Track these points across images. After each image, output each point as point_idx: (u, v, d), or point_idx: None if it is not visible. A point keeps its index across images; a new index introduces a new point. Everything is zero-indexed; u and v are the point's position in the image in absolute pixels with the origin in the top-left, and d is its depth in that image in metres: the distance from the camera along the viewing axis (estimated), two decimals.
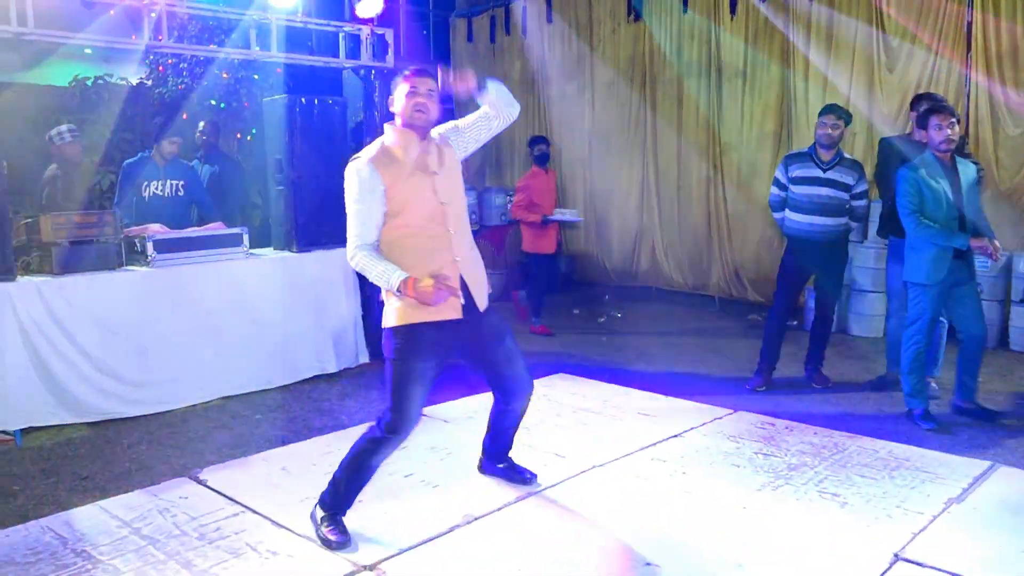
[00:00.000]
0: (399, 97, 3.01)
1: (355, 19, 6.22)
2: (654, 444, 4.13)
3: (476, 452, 4.01)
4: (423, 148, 3.03)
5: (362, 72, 5.92)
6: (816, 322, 5.38)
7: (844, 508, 3.36)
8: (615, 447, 4.07)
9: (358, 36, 6.15)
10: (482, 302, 3.12)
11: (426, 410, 4.67)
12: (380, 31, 6.26)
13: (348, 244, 2.93)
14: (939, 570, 2.83)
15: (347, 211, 2.95)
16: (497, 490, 3.55)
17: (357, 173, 2.93)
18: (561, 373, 5.53)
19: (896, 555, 2.94)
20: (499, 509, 3.37)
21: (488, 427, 3.63)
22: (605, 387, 5.20)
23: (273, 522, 3.27)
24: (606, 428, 4.40)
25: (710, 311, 8.03)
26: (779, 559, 2.93)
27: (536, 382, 5.24)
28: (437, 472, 3.79)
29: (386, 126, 3.09)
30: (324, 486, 3.19)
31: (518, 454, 3.99)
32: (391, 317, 2.98)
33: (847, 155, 5.11)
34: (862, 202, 5.10)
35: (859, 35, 7.19)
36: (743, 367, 5.57)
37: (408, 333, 2.95)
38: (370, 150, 3.01)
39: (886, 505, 3.38)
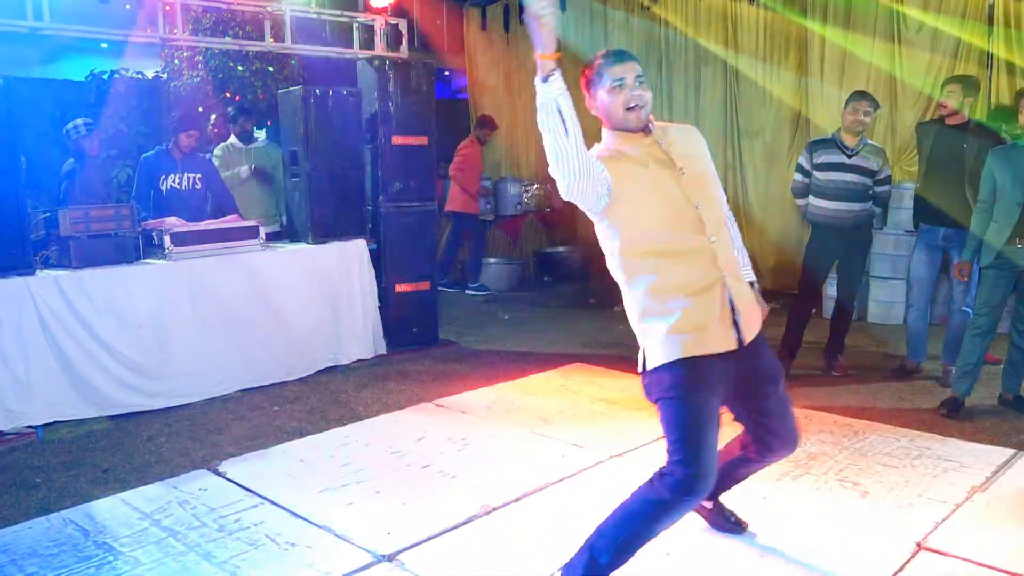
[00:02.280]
0: (601, 96, 2.49)
1: (369, 9, 6.21)
2: None
3: (494, 442, 4.02)
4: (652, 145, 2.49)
5: (376, 62, 5.89)
6: (837, 310, 5.34)
7: (865, 497, 3.32)
8: (633, 437, 4.05)
9: (372, 26, 6.13)
10: (752, 330, 2.50)
11: (442, 401, 4.70)
12: (394, 21, 6.24)
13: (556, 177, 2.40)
14: (963, 559, 2.80)
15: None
16: (515, 481, 3.54)
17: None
18: (577, 363, 5.52)
19: (919, 544, 2.91)
20: (517, 500, 3.36)
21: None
22: (622, 377, 5.18)
23: (292, 513, 3.28)
24: (623, 418, 4.38)
25: None
26: (800, 549, 2.90)
27: (552, 372, 5.31)
28: (455, 463, 3.79)
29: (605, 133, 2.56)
30: (342, 477, 3.18)
31: (534, 446, 3.99)
32: (659, 353, 2.40)
33: (870, 140, 5.06)
34: (885, 187, 5.06)
35: (879, 16, 7.09)
36: None
37: (689, 366, 2.36)
38: (598, 145, 2.52)
39: (908, 494, 3.34)
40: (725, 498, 3.02)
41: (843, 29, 7.37)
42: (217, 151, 6.24)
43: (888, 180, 5.06)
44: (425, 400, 4.73)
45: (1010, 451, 3.76)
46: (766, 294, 7.73)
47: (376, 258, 5.82)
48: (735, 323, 2.41)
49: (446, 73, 12.23)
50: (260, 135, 6.64)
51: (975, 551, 2.85)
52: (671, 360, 2.37)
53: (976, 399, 4.50)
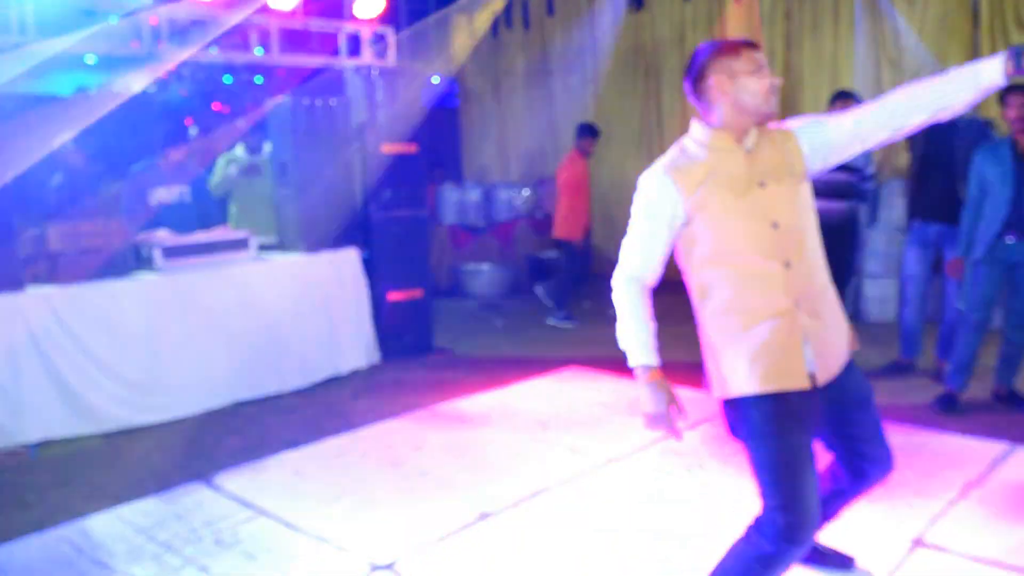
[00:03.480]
0: (742, 80, 2.14)
1: (355, 18, 6.20)
2: (666, 436, 4.09)
3: (490, 448, 4.01)
4: (755, 148, 2.20)
5: (364, 71, 5.89)
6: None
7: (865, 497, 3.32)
8: (630, 441, 4.05)
9: (358, 35, 6.13)
10: (832, 368, 2.24)
11: (438, 408, 4.69)
12: (381, 30, 6.24)
13: (616, 270, 2.26)
14: (960, 555, 2.81)
15: (631, 222, 2.27)
16: (512, 487, 3.53)
17: (649, 186, 2.20)
18: (571, 367, 5.51)
19: (915, 541, 2.91)
20: (514, 505, 3.36)
21: None
22: (618, 379, 5.18)
23: (289, 525, 3.26)
24: (620, 422, 4.37)
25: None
26: None
27: (548, 377, 5.30)
28: (452, 470, 3.78)
29: (691, 126, 2.27)
30: (339, 487, 3.18)
31: (531, 452, 3.99)
32: (742, 382, 2.13)
33: None
34: (870, 184, 5.08)
35: (864, 16, 7.13)
36: None
37: (777, 401, 2.12)
38: (673, 151, 2.27)
39: (904, 491, 3.34)
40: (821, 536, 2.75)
41: (832, 27, 7.41)
42: (224, 158, 6.23)
43: (874, 177, 5.09)
44: (421, 408, 4.71)
45: (1005, 445, 3.77)
46: None
47: (368, 267, 5.81)
48: (808, 360, 2.15)
49: (435, 80, 12.24)
50: (266, 147, 6.60)
51: (971, 546, 2.85)
52: (756, 393, 2.12)
53: (970, 394, 4.51)
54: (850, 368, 2.31)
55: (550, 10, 9.62)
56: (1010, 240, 4.20)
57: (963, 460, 3.63)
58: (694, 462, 3.78)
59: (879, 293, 6.70)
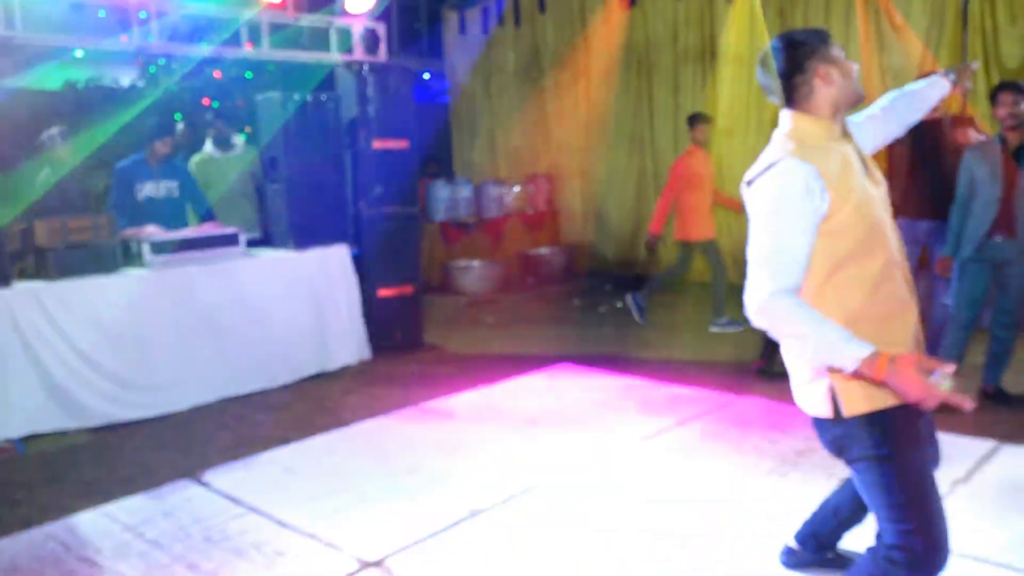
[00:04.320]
0: (845, 67, 2.05)
1: (346, 13, 6.18)
2: (660, 433, 4.11)
3: (481, 444, 4.01)
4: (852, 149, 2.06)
5: (355, 67, 5.87)
6: None
7: None
8: (621, 437, 4.05)
9: (349, 30, 6.11)
10: None
11: (428, 405, 4.69)
12: (371, 25, 6.22)
13: (754, 288, 1.92)
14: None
15: (764, 224, 1.95)
16: (502, 483, 3.53)
17: (793, 175, 1.92)
18: (562, 364, 5.51)
19: None
20: (504, 502, 3.35)
21: (830, 504, 2.64)
22: (607, 376, 5.18)
23: (278, 522, 3.25)
24: (611, 418, 4.38)
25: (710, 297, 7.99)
26: (778, 549, 2.91)
27: (538, 373, 5.30)
28: (442, 467, 3.77)
29: (795, 117, 2.07)
30: (329, 484, 3.17)
31: (521, 448, 3.99)
32: (859, 396, 1.94)
33: None
34: None
35: (855, 17, 7.15)
36: (746, 352, 5.54)
37: (900, 415, 1.94)
38: (788, 143, 2.01)
39: None
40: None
41: (824, 24, 7.42)
42: (194, 161, 6.19)
43: None
44: (411, 404, 4.71)
45: (991, 443, 3.79)
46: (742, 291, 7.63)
47: (358, 263, 5.80)
48: None
49: (426, 76, 12.24)
50: (238, 141, 6.58)
51: (959, 544, 2.85)
52: (879, 408, 1.93)
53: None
54: None
55: (541, 7, 9.61)
56: (999, 239, 4.22)
57: (951, 458, 3.63)
58: (684, 457, 3.79)
59: None
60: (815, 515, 2.68)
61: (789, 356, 2.10)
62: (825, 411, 2.00)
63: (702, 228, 6.59)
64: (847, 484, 2.58)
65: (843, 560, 2.72)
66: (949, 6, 6.72)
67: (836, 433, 2.02)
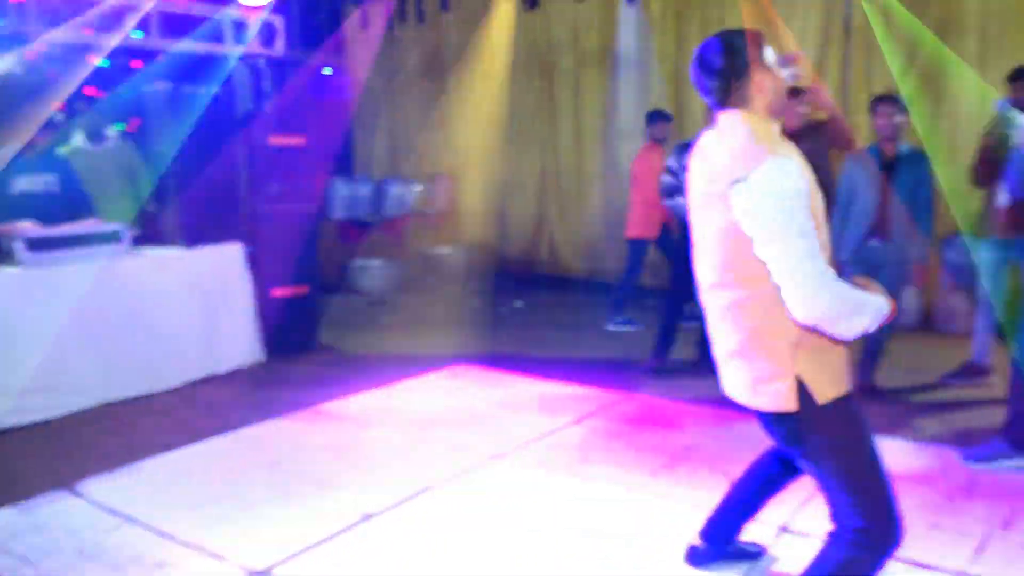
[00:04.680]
0: (766, 77, 2.10)
1: (242, 4, 6.00)
2: (554, 432, 4.16)
3: (374, 447, 3.96)
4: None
5: (251, 61, 5.71)
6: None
7: None
8: (515, 436, 4.08)
9: (245, 23, 5.93)
10: None
11: (322, 407, 4.60)
12: (268, 18, 6.06)
13: (803, 276, 1.93)
14: (821, 539, 2.95)
15: (781, 228, 1.94)
16: (394, 486, 3.50)
17: (789, 170, 1.97)
18: (460, 364, 5.51)
19: (781, 528, 3.05)
20: (397, 505, 3.32)
21: (732, 499, 2.73)
22: (505, 376, 5.21)
23: (159, 533, 3.12)
24: (506, 417, 4.40)
25: (608, 297, 8.14)
26: (673, 539, 2.99)
27: (436, 374, 5.28)
28: (331, 470, 3.70)
29: (744, 117, 2.10)
30: (214, 491, 3.07)
31: (415, 450, 3.96)
32: (827, 387, 2.04)
33: None
34: None
35: (750, 24, 7.40)
36: (641, 351, 5.67)
37: (845, 404, 2.08)
38: (759, 142, 2.03)
39: None
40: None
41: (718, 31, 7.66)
42: (61, 153, 5.86)
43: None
44: (304, 407, 4.60)
45: None
46: (643, 292, 7.79)
47: (252, 262, 5.63)
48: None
49: (326, 71, 11.99)
50: (111, 133, 6.25)
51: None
52: (840, 396, 2.05)
53: None
54: None
55: (445, 6, 9.57)
56: (875, 243, 4.45)
57: None
58: (577, 455, 3.84)
59: None
60: (718, 510, 2.76)
61: (743, 356, 2.11)
62: (789, 405, 2.04)
63: (653, 225, 6.69)
64: (746, 477, 2.69)
65: (744, 552, 2.83)
66: (835, 21, 7.05)
67: (794, 425, 2.08)
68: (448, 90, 9.75)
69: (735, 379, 2.18)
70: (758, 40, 2.12)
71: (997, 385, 4.70)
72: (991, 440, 3.61)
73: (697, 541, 2.80)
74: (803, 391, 2.03)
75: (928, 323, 6.48)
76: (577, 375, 5.18)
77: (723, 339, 2.19)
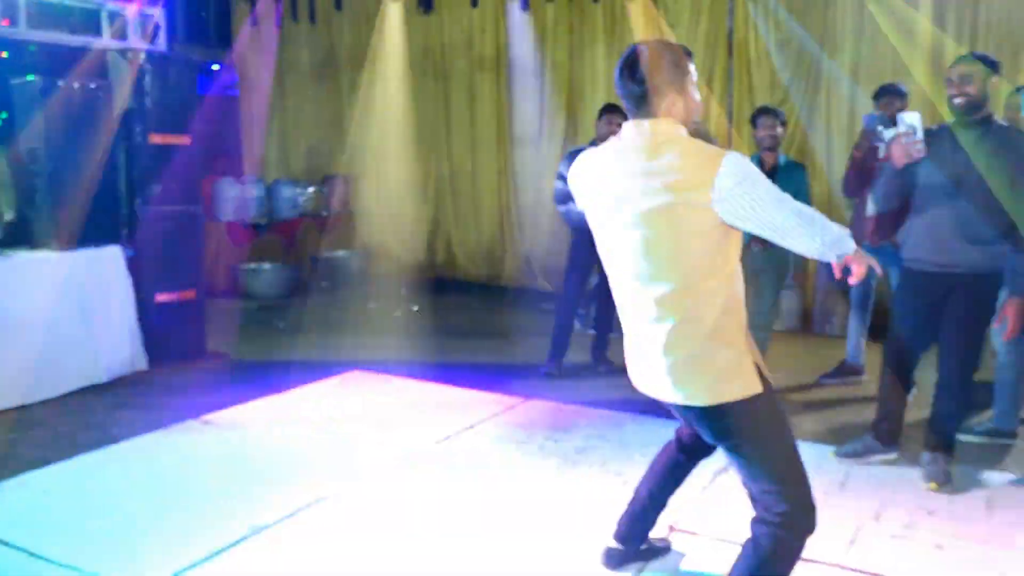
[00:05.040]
0: (693, 92, 2.20)
1: None
2: (449, 437, 4.15)
3: (267, 457, 3.86)
4: None
5: (130, 55, 5.45)
6: (599, 308, 5.63)
7: (626, 486, 3.52)
8: (410, 443, 4.05)
9: (124, 15, 5.67)
10: None
11: (210, 417, 4.44)
12: (149, 11, 5.82)
13: (810, 220, 2.10)
14: (708, 537, 3.07)
15: (771, 197, 2.07)
16: (283, 496, 3.41)
17: (741, 156, 2.11)
18: (355, 370, 5.43)
19: (671, 526, 3.14)
20: (288, 516, 3.24)
21: (643, 494, 2.80)
22: (400, 382, 5.17)
23: (32, 554, 2.94)
24: (401, 424, 4.37)
25: (504, 302, 8.21)
26: (567, 541, 3.04)
27: (329, 381, 5.19)
28: (220, 483, 3.58)
29: (676, 124, 2.18)
30: (94, 508, 2.91)
31: (310, 459, 3.88)
32: (751, 382, 2.17)
33: None
34: None
35: (633, 38, 7.62)
36: (536, 355, 5.74)
37: (769, 396, 2.21)
38: (702, 144, 2.16)
39: None
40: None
41: (608, 41, 7.86)
42: None
43: None
44: (191, 418, 4.43)
45: None
46: (538, 296, 7.88)
47: (134, 266, 5.38)
48: None
49: (213, 67, 11.62)
50: None
51: (719, 529, 3.13)
52: (757, 392, 2.17)
53: None
54: None
55: (338, 5, 9.42)
56: (755, 248, 4.65)
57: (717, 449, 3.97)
58: (473, 460, 3.85)
59: None
60: (629, 511, 2.81)
61: (703, 355, 2.16)
62: (723, 398, 2.15)
63: None
64: (651, 475, 2.78)
65: (656, 550, 2.90)
66: (720, 34, 7.35)
67: (730, 419, 2.18)
68: (342, 90, 9.61)
69: (685, 379, 2.19)
70: (685, 52, 2.21)
71: (869, 384, 5.01)
72: (863, 436, 3.84)
73: (612, 543, 2.84)
74: (738, 387, 2.16)
75: (806, 325, 6.83)
76: (473, 380, 5.19)
77: (678, 342, 2.17)
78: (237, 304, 7.81)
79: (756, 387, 2.16)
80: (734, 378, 2.16)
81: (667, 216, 2.10)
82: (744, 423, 2.18)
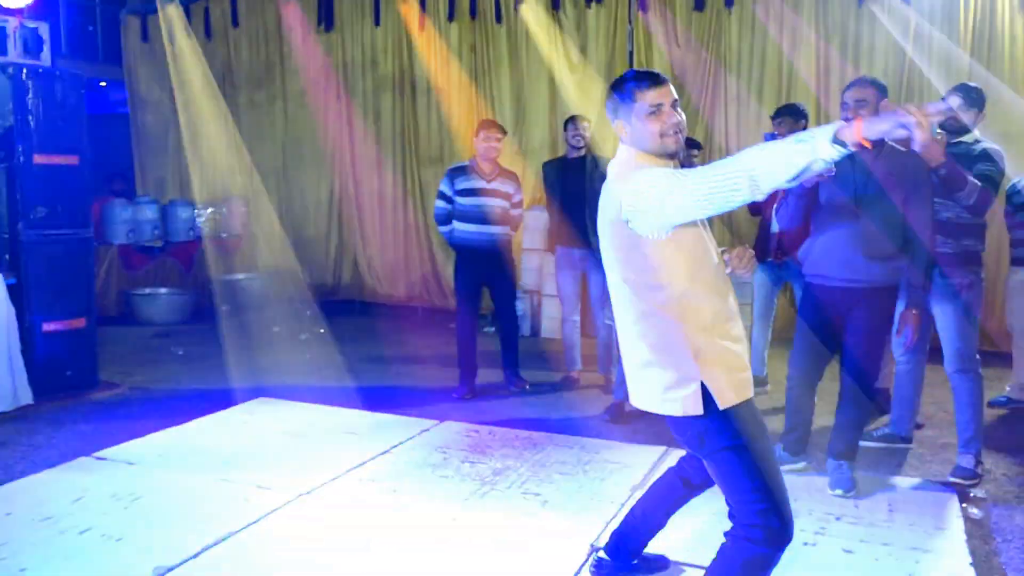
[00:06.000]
0: (634, 122, 2.26)
1: (2, 9, 5.40)
2: (363, 464, 4.04)
3: (167, 493, 3.66)
4: None
5: (11, 70, 5.13)
6: (502, 327, 5.55)
7: (545, 506, 3.53)
8: (322, 472, 3.92)
9: (3, 28, 5.34)
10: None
11: (104, 453, 4.19)
12: (32, 24, 5.49)
13: (708, 187, 2.01)
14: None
15: (668, 181, 2.10)
16: (191, 535, 3.23)
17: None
18: (261, 397, 5.24)
19: (592, 546, 3.13)
20: (196, 556, 3.07)
21: (638, 513, 2.80)
22: (310, 408, 5.02)
23: None
24: (312, 452, 4.22)
25: (414, 321, 8.12)
26: (488, 565, 2.99)
27: (232, 409, 4.98)
28: (120, 523, 3.36)
29: (636, 156, 2.28)
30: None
31: (214, 493, 3.70)
32: (727, 393, 2.21)
33: (503, 166, 5.41)
34: (519, 211, 5.45)
35: (537, 58, 7.72)
36: (449, 376, 5.68)
37: (749, 408, 2.26)
38: (644, 162, 2.27)
39: (581, 497, 3.61)
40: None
41: (509, 64, 7.92)
42: None
43: (521, 204, 5.47)
44: (83, 454, 4.16)
45: (661, 448, 4.23)
46: (449, 315, 7.79)
47: (16, 294, 5.05)
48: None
49: (102, 85, 11.13)
50: None
51: (652, 545, 3.13)
52: (735, 403, 2.22)
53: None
54: None
55: (235, 22, 9.18)
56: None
57: (629, 464, 4.01)
58: (388, 486, 3.76)
59: (556, 311, 7.19)
60: (624, 525, 2.82)
61: (653, 366, 2.25)
62: (695, 410, 2.20)
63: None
64: (652, 492, 2.77)
65: (649, 564, 2.89)
66: (620, 58, 7.51)
67: (700, 428, 2.23)
68: (240, 109, 9.34)
69: (645, 388, 2.32)
70: (621, 90, 2.29)
71: (773, 395, 5.16)
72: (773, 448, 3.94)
73: (602, 554, 2.85)
74: (707, 397, 2.20)
75: None
76: (385, 403, 5.09)
77: (633, 351, 2.33)
78: (132, 331, 7.45)
79: (731, 399, 2.21)
80: (689, 392, 2.21)
81: (608, 231, 2.31)
82: (712, 435, 2.23)
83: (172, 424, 4.66)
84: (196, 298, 8.22)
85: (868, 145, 1.87)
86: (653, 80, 2.26)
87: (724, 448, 2.22)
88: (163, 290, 8.09)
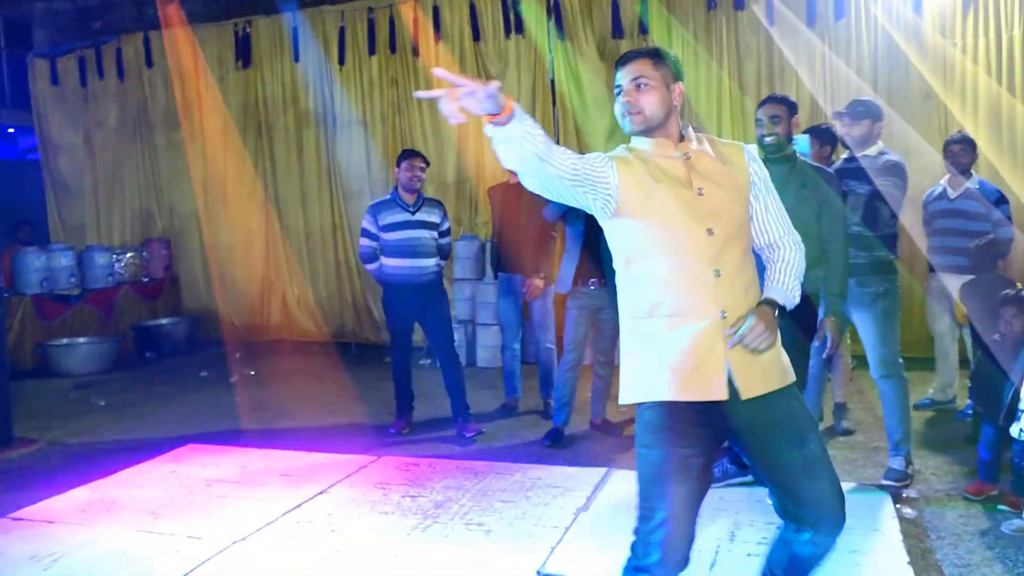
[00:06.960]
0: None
1: None
2: (299, 505, 3.91)
3: (91, 551, 3.47)
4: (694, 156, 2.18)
5: None
6: (444, 371, 5.15)
7: (489, 536, 3.47)
8: (257, 517, 3.77)
9: None
10: (754, 383, 2.11)
11: (21, 513, 3.96)
12: None
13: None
14: None
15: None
16: None
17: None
18: (190, 444, 5.04)
19: (538, 572, 3.09)
20: None
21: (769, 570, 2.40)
22: (241, 453, 4.84)
23: None
24: (245, 497, 4.07)
25: (347, 358, 7.97)
26: None
27: (161, 458, 4.78)
28: None
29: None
30: None
31: (142, 547, 3.53)
32: (642, 387, 2.11)
33: (426, 195, 5.24)
34: (447, 239, 5.22)
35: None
36: (385, 412, 5.57)
37: (669, 410, 2.07)
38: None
39: (526, 524, 3.56)
40: None
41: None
42: None
43: (449, 232, 5.24)
44: None
45: (602, 470, 4.22)
46: (383, 350, 7.64)
47: None
48: (728, 371, 2.07)
49: (10, 131, 10.76)
50: None
51: (585, 569, 3.10)
52: (653, 400, 2.08)
53: (573, 426, 4.99)
54: (783, 395, 2.15)
55: (148, 62, 8.97)
56: (591, 287, 4.76)
57: (571, 488, 3.98)
58: (326, 527, 3.64)
59: (493, 340, 7.17)
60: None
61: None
62: (620, 398, 2.18)
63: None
64: (774, 546, 2.40)
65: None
66: (542, 86, 7.61)
67: (636, 420, 2.16)
68: (158, 149, 9.12)
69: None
70: (621, 62, 2.21)
71: None
72: (720, 461, 3.96)
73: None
74: (638, 387, 2.13)
75: None
76: (320, 443, 4.96)
77: None
78: (50, 384, 7.11)
79: (639, 395, 2.12)
80: (636, 380, 2.15)
81: None
82: (637, 430, 2.15)
83: (94, 479, 4.44)
84: (118, 346, 7.91)
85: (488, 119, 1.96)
86: (621, 60, 2.19)
87: (637, 447, 2.14)
88: (82, 339, 7.76)
